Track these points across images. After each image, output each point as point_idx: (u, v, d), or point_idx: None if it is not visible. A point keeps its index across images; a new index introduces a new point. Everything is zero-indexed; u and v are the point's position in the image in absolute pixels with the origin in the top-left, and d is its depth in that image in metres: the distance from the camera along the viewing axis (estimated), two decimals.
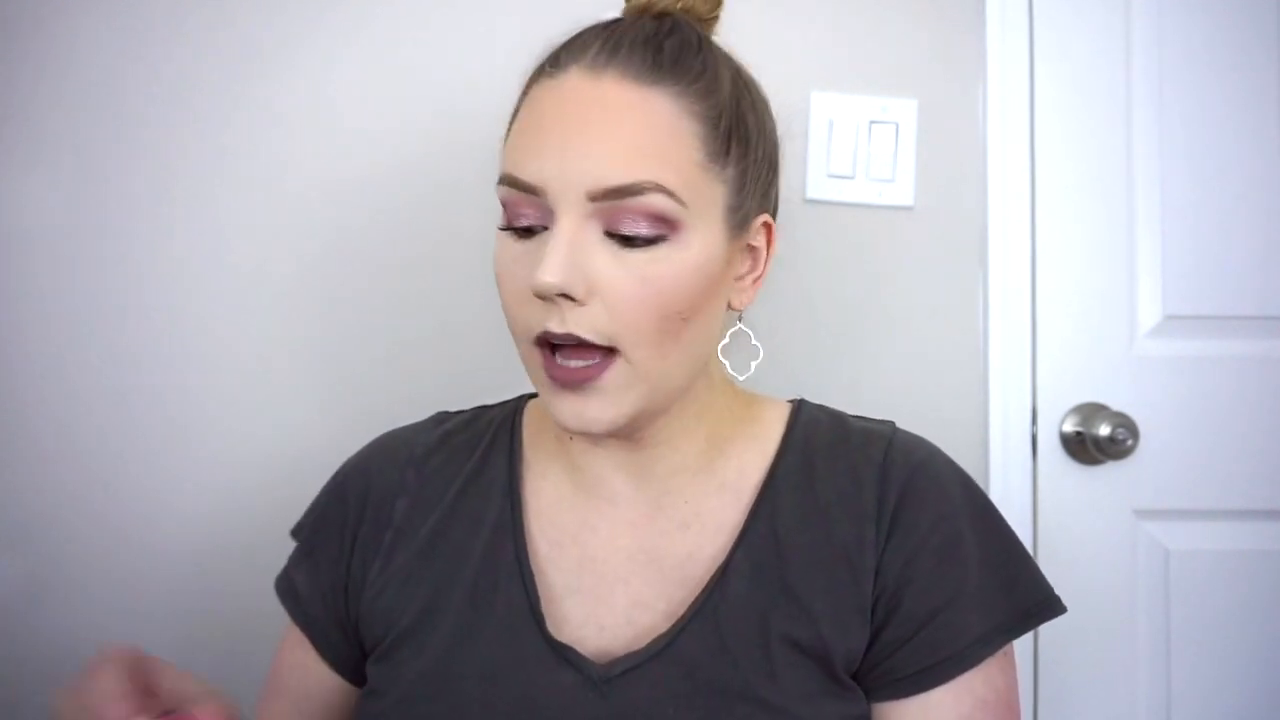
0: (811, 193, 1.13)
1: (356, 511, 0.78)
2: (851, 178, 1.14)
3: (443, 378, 1.08)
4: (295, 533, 0.84)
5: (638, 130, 0.65)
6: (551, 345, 0.66)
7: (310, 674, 0.80)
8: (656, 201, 0.64)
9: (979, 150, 1.16)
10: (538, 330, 0.65)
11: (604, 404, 0.66)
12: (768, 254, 0.73)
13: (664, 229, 0.64)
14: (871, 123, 1.13)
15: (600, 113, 0.65)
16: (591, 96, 0.65)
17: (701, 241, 0.66)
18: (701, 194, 0.66)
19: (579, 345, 0.65)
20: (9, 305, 1.06)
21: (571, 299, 0.63)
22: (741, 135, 0.69)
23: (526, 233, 0.66)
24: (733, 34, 0.75)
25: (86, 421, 1.06)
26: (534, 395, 0.83)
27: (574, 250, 0.63)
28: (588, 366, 0.65)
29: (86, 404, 1.06)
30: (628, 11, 0.73)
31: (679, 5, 0.72)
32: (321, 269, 1.09)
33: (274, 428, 1.08)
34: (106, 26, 1.07)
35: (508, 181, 0.66)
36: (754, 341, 0.76)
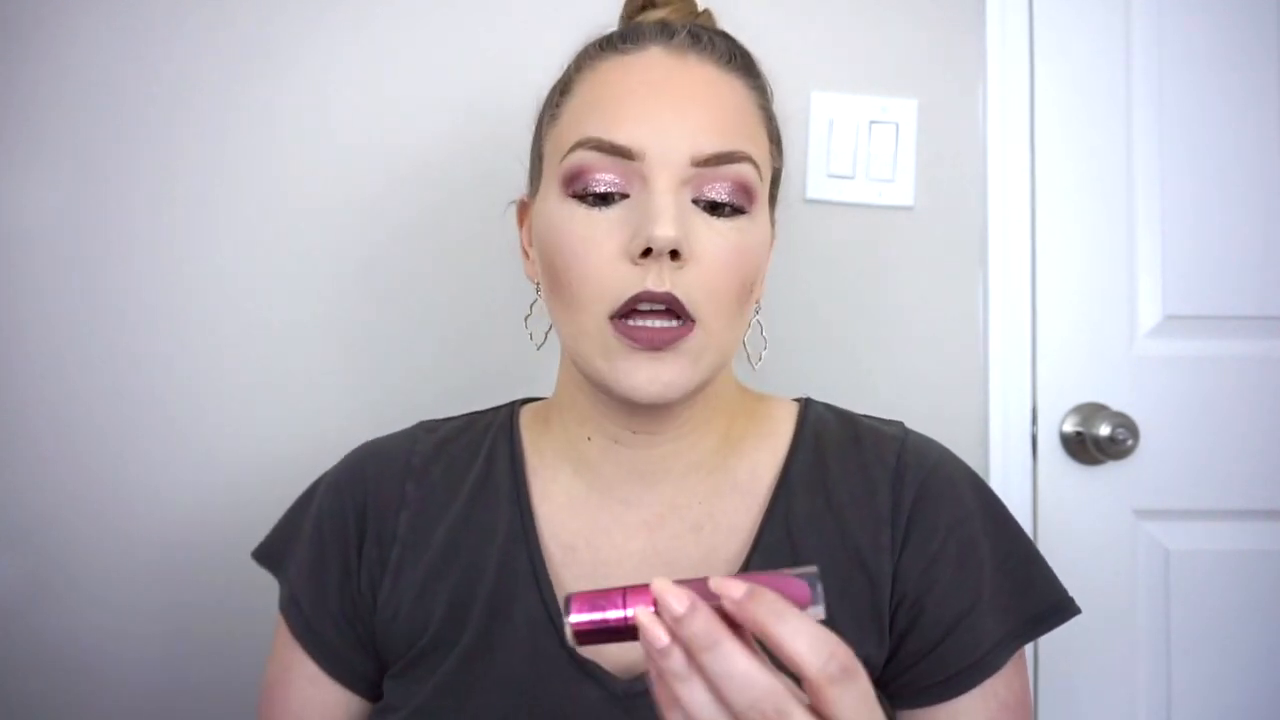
0: (811, 193, 1.13)
1: (357, 528, 0.75)
2: (851, 178, 1.13)
3: (442, 378, 1.08)
4: (266, 558, 0.80)
5: (729, 106, 0.68)
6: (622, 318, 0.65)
7: (326, 693, 0.75)
8: (746, 171, 0.66)
9: (979, 150, 1.16)
10: (632, 291, 0.64)
11: (681, 369, 0.65)
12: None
13: (745, 201, 0.67)
14: (871, 123, 1.13)
15: (699, 86, 0.67)
16: (680, 72, 0.68)
17: (764, 220, 0.69)
18: (767, 175, 0.70)
19: (664, 313, 0.64)
20: (9, 305, 1.06)
21: (677, 257, 0.64)
22: (779, 136, 0.74)
23: (601, 201, 0.66)
24: (733, 34, 0.75)
25: (86, 421, 1.06)
26: (526, 401, 0.82)
27: (679, 209, 0.64)
28: (672, 327, 0.64)
29: (86, 404, 1.06)
30: (644, 23, 0.73)
31: (696, 20, 0.74)
32: (321, 268, 1.09)
33: (274, 428, 1.08)
34: (106, 26, 1.07)
35: (594, 145, 0.65)
36: (763, 334, 0.77)
